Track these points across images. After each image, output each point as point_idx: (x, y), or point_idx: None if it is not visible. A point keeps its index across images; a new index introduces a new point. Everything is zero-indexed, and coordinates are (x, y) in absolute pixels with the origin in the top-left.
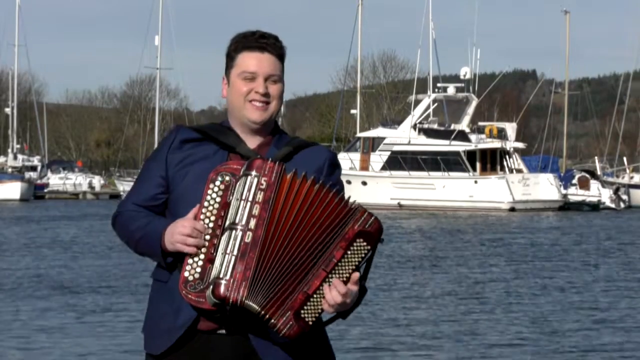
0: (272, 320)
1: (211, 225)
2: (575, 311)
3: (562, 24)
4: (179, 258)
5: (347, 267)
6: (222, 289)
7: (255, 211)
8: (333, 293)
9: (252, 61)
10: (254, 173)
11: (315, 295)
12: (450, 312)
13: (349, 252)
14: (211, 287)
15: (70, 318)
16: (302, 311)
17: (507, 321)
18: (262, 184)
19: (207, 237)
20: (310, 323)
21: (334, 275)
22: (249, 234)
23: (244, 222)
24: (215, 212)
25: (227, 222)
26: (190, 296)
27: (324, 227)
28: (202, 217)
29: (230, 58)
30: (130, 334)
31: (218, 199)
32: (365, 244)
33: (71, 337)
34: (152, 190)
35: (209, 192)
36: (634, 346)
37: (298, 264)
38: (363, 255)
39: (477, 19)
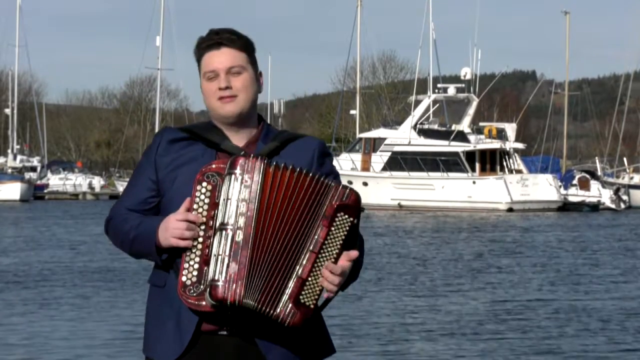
0: (274, 313)
1: (203, 227)
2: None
3: (562, 24)
4: (174, 256)
5: (335, 244)
6: (219, 290)
7: (243, 209)
8: (329, 278)
9: (211, 59)
10: (237, 171)
11: (310, 279)
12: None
13: (333, 229)
14: (208, 289)
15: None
16: (301, 297)
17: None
18: (246, 181)
19: (200, 239)
20: (312, 306)
21: (323, 254)
22: (239, 232)
23: (232, 221)
24: (205, 213)
25: (217, 223)
26: (190, 300)
27: (306, 210)
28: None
29: (198, 64)
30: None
31: (207, 200)
32: (347, 217)
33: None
34: (143, 194)
35: (197, 194)
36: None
37: (288, 252)
38: (347, 228)
39: (478, 19)
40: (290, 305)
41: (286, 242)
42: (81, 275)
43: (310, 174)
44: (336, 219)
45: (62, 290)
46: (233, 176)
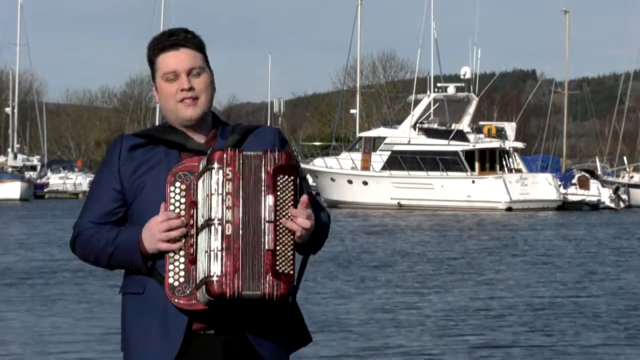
0: (261, 293)
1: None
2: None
3: (562, 23)
4: (154, 259)
5: (287, 205)
6: (216, 286)
7: (229, 202)
8: (298, 221)
9: (170, 60)
10: (216, 166)
11: (278, 247)
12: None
13: (279, 193)
14: (203, 287)
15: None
16: (277, 267)
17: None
18: (228, 174)
19: (183, 239)
20: (292, 272)
21: (280, 219)
22: (228, 225)
23: (220, 215)
24: (183, 212)
25: (202, 220)
26: (180, 301)
27: (256, 187)
28: None
29: (152, 64)
30: None
31: (183, 200)
32: (286, 177)
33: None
34: (108, 206)
35: (171, 194)
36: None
37: (255, 233)
38: (292, 187)
39: (478, 19)
40: (271, 279)
41: (253, 224)
42: (82, 273)
43: (248, 152)
44: (278, 184)
45: (63, 287)
46: (213, 171)
